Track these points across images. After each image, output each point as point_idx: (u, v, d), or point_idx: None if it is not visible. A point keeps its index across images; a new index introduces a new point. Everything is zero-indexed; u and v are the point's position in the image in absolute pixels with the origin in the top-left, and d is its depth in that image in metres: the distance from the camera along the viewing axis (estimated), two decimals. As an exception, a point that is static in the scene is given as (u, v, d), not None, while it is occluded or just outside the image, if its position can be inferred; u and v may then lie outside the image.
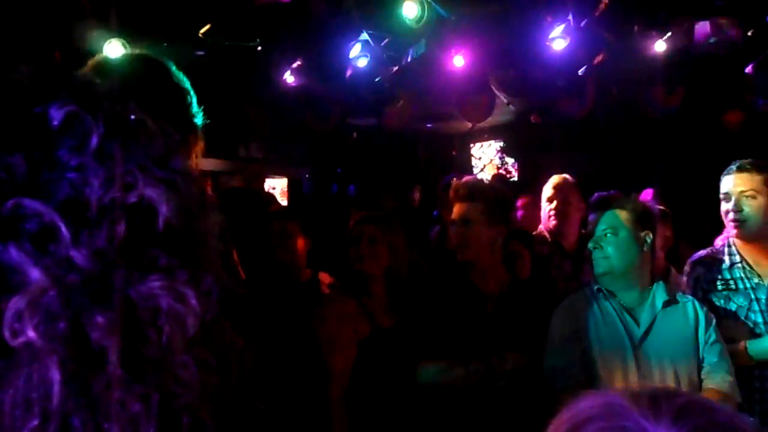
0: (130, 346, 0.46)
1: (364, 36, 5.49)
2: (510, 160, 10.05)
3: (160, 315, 0.47)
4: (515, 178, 9.43)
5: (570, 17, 5.12)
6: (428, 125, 9.87)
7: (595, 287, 2.75)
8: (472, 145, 10.48)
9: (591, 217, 2.83)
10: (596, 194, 2.87)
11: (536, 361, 2.68)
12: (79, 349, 0.44)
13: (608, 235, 2.70)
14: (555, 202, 3.90)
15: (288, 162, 9.49)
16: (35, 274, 0.43)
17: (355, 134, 9.01)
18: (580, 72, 5.52)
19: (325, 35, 5.23)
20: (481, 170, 10.17)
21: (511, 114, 8.84)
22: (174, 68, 1.77)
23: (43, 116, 0.47)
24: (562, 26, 5.25)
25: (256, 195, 5.23)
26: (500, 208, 2.98)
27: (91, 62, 1.74)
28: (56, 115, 0.47)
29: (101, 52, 4.75)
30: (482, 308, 2.81)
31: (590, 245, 2.75)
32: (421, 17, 4.20)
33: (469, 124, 8.91)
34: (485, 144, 10.34)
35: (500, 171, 9.77)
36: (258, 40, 5.54)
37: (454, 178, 6.03)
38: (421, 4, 4.17)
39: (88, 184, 0.46)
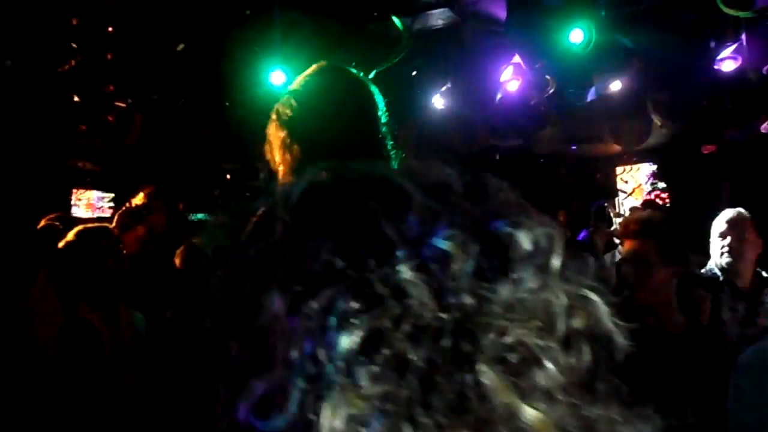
0: None
1: (516, 59, 5.42)
2: (662, 185, 9.51)
3: None
4: (667, 205, 8.91)
5: (743, 37, 4.78)
6: (573, 147, 9.59)
7: (787, 338, 2.50)
8: (618, 168, 10.04)
9: (782, 261, 2.59)
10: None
11: (715, 416, 2.48)
12: None
13: (803, 280, 2.46)
14: (729, 238, 3.62)
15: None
16: None
17: (497, 155, 8.90)
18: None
19: (477, 59, 5.21)
20: (629, 195, 9.70)
21: (664, 137, 8.38)
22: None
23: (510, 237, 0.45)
24: (733, 47, 4.91)
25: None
26: (675, 245, 2.80)
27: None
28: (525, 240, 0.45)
29: (265, 81, 5.01)
30: (658, 353, 2.64)
31: (782, 291, 2.52)
32: (588, 43, 4.07)
33: (616, 147, 8.55)
34: (634, 167, 9.87)
35: (650, 197, 9.27)
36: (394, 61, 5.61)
37: (606, 204, 5.82)
38: (589, 29, 4.05)
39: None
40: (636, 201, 9.17)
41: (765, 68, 4.65)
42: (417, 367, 0.39)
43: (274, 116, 1.80)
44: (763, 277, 3.64)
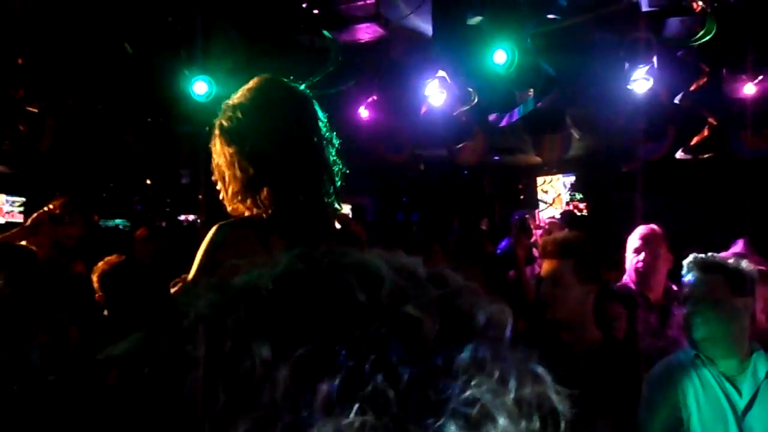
0: None
1: (441, 73, 5.49)
2: (580, 196, 9.85)
3: None
4: (584, 214, 9.24)
5: (654, 59, 5.01)
6: (495, 158, 9.81)
7: (693, 353, 2.63)
8: (538, 178, 10.34)
9: (689, 279, 2.71)
10: (693, 255, 2.75)
11: (629, 428, 2.58)
12: None
13: (707, 299, 2.59)
14: (643, 254, 3.78)
15: (351, 189, 9.55)
16: None
17: (422, 166, 9.01)
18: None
19: (403, 73, 5.26)
20: (550, 205, 10.00)
21: (583, 149, 8.69)
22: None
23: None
24: (646, 68, 5.14)
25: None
26: (591, 264, 2.90)
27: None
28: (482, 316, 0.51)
29: (188, 90, 4.89)
30: (572, 368, 2.73)
31: (689, 308, 2.64)
32: (511, 64, 4.18)
33: (537, 158, 8.81)
34: (553, 178, 10.18)
35: (569, 207, 9.59)
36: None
37: (527, 216, 5.96)
38: (512, 50, 4.15)
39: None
40: (555, 210, 9.46)
41: (676, 97, 4.89)
42: (392, 413, 0.44)
43: (217, 131, 1.76)
44: (674, 290, 3.82)
